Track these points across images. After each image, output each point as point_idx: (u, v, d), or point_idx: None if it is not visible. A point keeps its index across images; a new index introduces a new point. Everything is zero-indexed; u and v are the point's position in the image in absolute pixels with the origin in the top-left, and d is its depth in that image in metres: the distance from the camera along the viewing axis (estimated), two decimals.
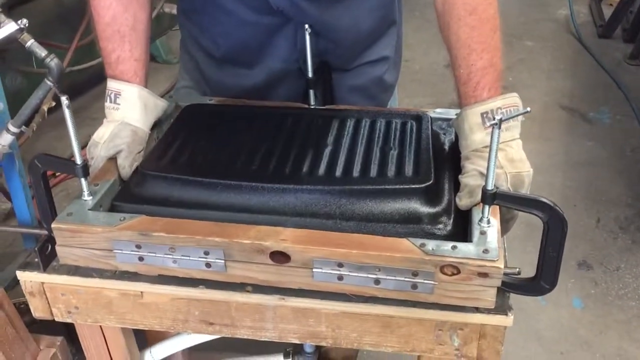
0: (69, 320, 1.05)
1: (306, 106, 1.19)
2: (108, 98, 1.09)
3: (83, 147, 0.97)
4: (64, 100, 0.87)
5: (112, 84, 1.09)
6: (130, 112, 1.08)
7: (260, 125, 1.10)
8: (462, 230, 0.92)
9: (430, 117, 1.11)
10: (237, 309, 0.96)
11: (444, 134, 1.12)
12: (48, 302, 1.02)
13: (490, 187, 0.85)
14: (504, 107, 0.96)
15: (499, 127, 0.82)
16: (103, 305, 1.00)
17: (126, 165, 1.05)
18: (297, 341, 1.00)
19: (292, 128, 1.09)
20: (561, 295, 1.91)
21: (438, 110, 1.16)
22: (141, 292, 0.98)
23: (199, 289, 0.95)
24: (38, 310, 1.03)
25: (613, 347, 1.73)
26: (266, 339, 1.01)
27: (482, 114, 0.96)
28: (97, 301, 1.00)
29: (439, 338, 0.93)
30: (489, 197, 0.86)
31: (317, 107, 1.19)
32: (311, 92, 1.19)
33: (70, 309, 1.02)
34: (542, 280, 0.89)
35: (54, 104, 2.33)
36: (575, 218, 2.12)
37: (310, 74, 1.18)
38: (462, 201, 0.94)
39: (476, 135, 0.96)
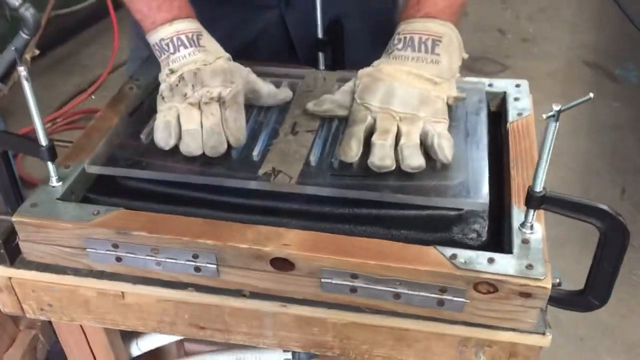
0: (42, 318, 0.93)
1: (314, 71, 1.03)
2: (186, 42, 0.86)
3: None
4: (22, 71, 0.71)
5: (180, 26, 0.87)
6: (221, 49, 0.90)
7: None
8: (496, 235, 0.78)
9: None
10: (231, 314, 0.83)
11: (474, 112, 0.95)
12: (18, 298, 0.89)
13: (538, 188, 0.70)
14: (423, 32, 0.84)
15: (557, 120, 0.66)
16: (79, 304, 0.88)
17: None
18: (299, 350, 0.88)
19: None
20: (580, 274, 1.79)
21: (467, 79, 0.99)
22: (122, 292, 0.85)
23: (187, 292, 0.82)
24: (7, 306, 0.91)
25: (637, 332, 1.61)
26: (264, 346, 0.89)
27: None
28: (72, 299, 0.87)
29: (462, 355, 0.80)
30: (536, 201, 0.71)
31: (326, 71, 1.03)
32: (320, 55, 1.03)
33: (43, 306, 0.90)
34: (591, 296, 0.76)
35: (37, 52, 2.17)
36: (599, 188, 1.96)
37: (320, 35, 1.01)
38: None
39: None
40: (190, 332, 0.89)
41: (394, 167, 0.79)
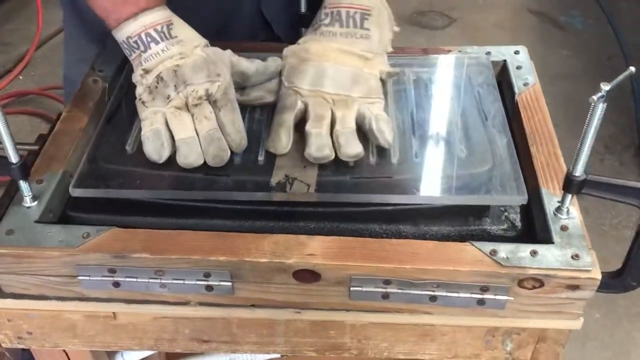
0: (20, 347, 0.83)
1: None
2: (156, 37, 0.75)
3: None
4: None
5: (147, 19, 0.76)
6: (196, 35, 0.79)
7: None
8: (526, 221, 0.73)
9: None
10: (239, 325, 0.76)
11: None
12: None
13: (579, 172, 0.66)
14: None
15: (605, 101, 0.61)
16: (64, 328, 0.78)
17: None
18: (313, 354, 0.81)
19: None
20: None
21: (469, 50, 0.93)
22: (113, 312, 0.76)
23: (190, 307, 0.74)
24: None
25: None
26: (275, 354, 0.82)
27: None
28: (55, 325, 0.78)
29: (489, 344, 0.76)
30: (576, 186, 0.66)
31: None
32: (304, 31, 0.93)
33: (21, 334, 0.80)
34: (630, 277, 0.72)
35: None
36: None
37: (303, 9, 0.93)
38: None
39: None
40: (192, 347, 0.81)
41: (333, 157, 0.72)
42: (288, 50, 0.81)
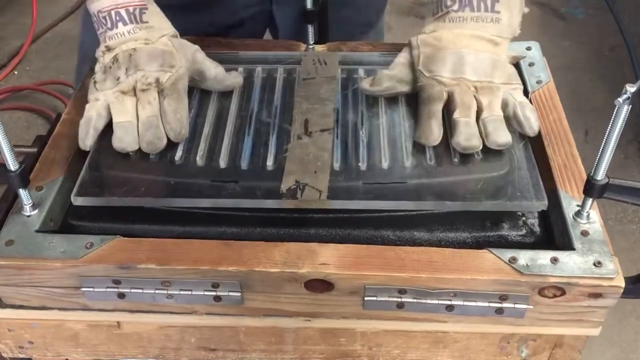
0: (21, 356, 0.80)
1: (304, 47, 0.91)
2: (125, 18, 0.76)
3: None
4: None
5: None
6: (167, 24, 0.80)
7: (263, 90, 0.82)
8: (543, 225, 0.70)
9: None
10: (247, 333, 0.74)
11: None
12: None
13: (600, 176, 0.63)
14: None
15: (630, 103, 0.58)
16: (67, 338, 0.76)
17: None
18: None
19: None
20: None
21: None
22: (117, 322, 0.73)
23: (197, 316, 0.72)
24: None
25: None
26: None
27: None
28: (58, 334, 0.75)
29: (504, 350, 0.74)
30: (598, 190, 0.64)
31: (315, 45, 0.92)
32: (310, 27, 0.91)
33: (22, 344, 0.78)
34: None
35: None
36: None
37: (309, 5, 0.89)
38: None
39: None
40: (198, 355, 0.79)
41: (481, 146, 0.70)
42: (418, 39, 0.78)
